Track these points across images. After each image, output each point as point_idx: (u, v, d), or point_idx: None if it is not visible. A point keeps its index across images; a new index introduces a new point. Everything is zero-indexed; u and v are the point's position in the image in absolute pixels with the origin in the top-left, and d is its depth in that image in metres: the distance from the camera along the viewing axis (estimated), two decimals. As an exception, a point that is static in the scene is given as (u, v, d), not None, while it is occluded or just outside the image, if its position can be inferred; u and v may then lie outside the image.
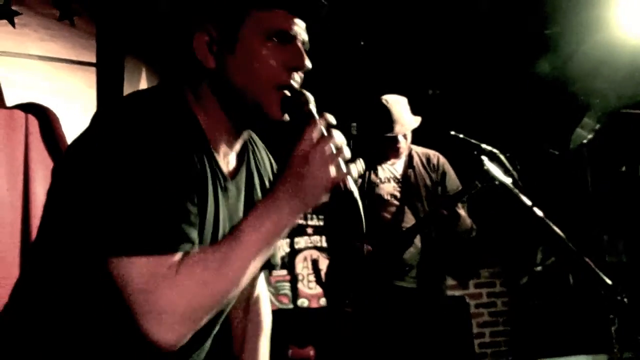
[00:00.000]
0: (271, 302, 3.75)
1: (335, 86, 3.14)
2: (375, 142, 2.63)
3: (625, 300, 1.97)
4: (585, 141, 4.04)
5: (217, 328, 1.10)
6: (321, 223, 3.81)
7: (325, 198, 0.91)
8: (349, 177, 0.91)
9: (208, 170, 0.98)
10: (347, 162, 0.91)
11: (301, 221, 3.89)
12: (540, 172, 3.98)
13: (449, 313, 3.00)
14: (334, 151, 0.89)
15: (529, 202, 2.07)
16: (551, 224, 2.08)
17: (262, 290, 1.33)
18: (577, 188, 4.31)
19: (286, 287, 3.78)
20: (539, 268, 3.83)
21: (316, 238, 3.84)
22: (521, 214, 2.18)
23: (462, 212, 2.42)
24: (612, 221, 4.39)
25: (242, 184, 1.09)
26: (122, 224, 0.85)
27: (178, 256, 0.86)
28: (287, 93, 0.97)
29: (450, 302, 3.21)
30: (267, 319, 1.34)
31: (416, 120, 2.59)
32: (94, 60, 2.56)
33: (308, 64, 0.98)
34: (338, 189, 0.90)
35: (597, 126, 4.02)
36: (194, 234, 0.89)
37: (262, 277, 1.31)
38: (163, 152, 0.88)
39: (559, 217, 2.13)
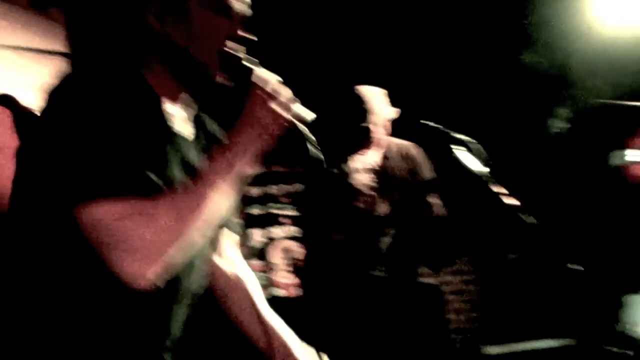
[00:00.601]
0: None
1: (312, 77, 3.12)
2: (350, 132, 2.63)
3: (586, 278, 2.01)
4: (559, 131, 4.09)
5: (194, 289, 1.15)
6: (297, 213, 3.81)
7: (276, 141, 1.02)
8: (298, 119, 1.03)
9: (161, 127, 1.07)
10: (295, 108, 1.03)
11: (276, 211, 3.88)
12: (515, 161, 4.02)
13: (423, 301, 3.03)
14: (281, 98, 1.02)
15: (500, 190, 2.08)
16: (523, 213, 2.10)
17: (238, 261, 1.38)
18: (551, 177, 4.38)
19: (261, 277, 3.77)
20: (512, 256, 3.89)
21: (292, 228, 3.83)
22: (493, 203, 2.20)
23: (435, 200, 2.43)
24: (584, 208, 4.48)
25: (196, 144, 1.15)
26: (87, 174, 0.92)
27: (141, 198, 0.93)
28: (230, 56, 1.08)
29: (424, 290, 3.25)
30: (253, 284, 1.39)
31: (392, 112, 2.60)
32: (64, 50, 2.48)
33: (243, 32, 1.10)
34: (290, 131, 1.03)
35: (571, 116, 4.07)
36: (154, 179, 0.97)
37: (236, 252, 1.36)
38: (119, 110, 0.97)
39: (531, 205, 2.15)
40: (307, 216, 2.71)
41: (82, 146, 0.93)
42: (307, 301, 2.87)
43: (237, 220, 1.34)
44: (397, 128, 2.66)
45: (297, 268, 3.04)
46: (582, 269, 2.07)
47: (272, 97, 1.02)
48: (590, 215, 4.43)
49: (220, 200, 1.00)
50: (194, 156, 1.12)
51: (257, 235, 3.82)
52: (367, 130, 2.56)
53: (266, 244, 3.81)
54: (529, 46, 3.78)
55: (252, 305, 1.34)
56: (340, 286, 2.55)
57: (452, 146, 2.19)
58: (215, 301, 1.29)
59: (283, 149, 1.06)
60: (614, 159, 4.80)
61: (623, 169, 4.82)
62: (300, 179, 3.35)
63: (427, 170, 2.64)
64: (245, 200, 3.85)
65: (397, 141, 2.70)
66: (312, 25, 3.42)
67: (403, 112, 2.60)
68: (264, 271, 3.79)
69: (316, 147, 1.06)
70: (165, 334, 1.11)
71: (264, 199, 3.84)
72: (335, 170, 2.61)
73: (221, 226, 1.24)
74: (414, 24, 3.44)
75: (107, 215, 0.91)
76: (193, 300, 1.17)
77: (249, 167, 1.03)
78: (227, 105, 1.10)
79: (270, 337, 1.31)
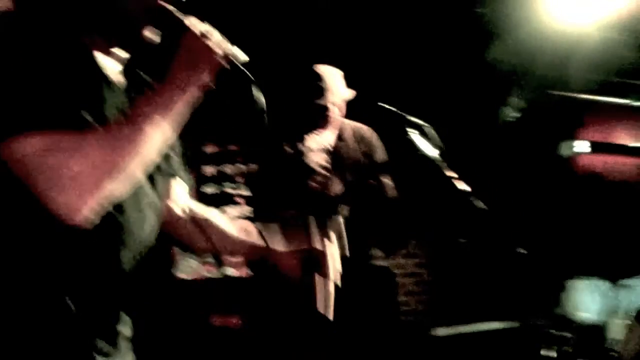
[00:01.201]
0: (198, 271, 3.72)
1: (270, 54, 3.09)
2: (306, 111, 2.62)
3: (528, 260, 2.09)
4: (512, 119, 4.19)
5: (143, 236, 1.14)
6: (251, 193, 3.78)
7: (211, 77, 1.03)
8: (233, 57, 1.05)
9: (93, 72, 1.06)
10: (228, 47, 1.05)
11: (231, 190, 3.84)
12: (467, 147, 4.10)
13: (374, 282, 3.07)
14: (213, 38, 1.04)
15: (452, 175, 2.12)
16: (474, 198, 2.15)
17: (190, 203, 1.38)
18: (502, 164, 4.49)
19: (214, 257, 3.73)
20: (463, 240, 3.98)
21: (246, 208, 3.79)
22: (446, 187, 2.24)
23: (388, 181, 2.46)
24: (532, 196, 4.62)
25: (128, 93, 1.14)
26: (12, 109, 0.90)
27: (71, 133, 0.92)
28: (159, 8, 1.08)
29: (375, 271, 3.29)
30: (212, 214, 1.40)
31: (349, 93, 2.60)
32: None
33: None
34: (225, 68, 1.04)
35: (523, 105, 4.17)
36: (85, 116, 0.96)
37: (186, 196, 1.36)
38: (49, 50, 0.96)
39: (483, 191, 2.20)
40: (260, 195, 2.69)
41: (8, 81, 0.92)
42: (259, 281, 2.87)
43: (187, 172, 1.34)
44: (352, 110, 2.66)
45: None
46: (526, 253, 2.14)
47: (205, 36, 1.04)
48: (537, 202, 4.57)
49: (158, 135, 0.99)
50: (126, 103, 1.11)
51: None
52: (324, 109, 2.55)
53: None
54: (485, 37, 3.84)
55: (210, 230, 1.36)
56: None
57: (407, 129, 2.21)
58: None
59: (224, 90, 1.07)
60: (563, 149, 4.96)
61: (571, 159, 4.99)
62: (255, 158, 3.32)
63: (380, 153, 2.66)
64: (200, 179, 3.80)
65: (352, 123, 2.70)
66: (272, 5, 3.37)
67: (359, 94, 2.60)
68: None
69: (257, 88, 1.08)
70: (112, 280, 1.09)
71: (218, 178, 3.79)
72: (290, 149, 2.60)
73: (171, 176, 1.24)
74: (373, 9, 3.44)
75: (33, 150, 0.89)
76: (145, 250, 1.15)
77: (186, 104, 1.02)
78: (160, 59, 1.09)
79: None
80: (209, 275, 3.69)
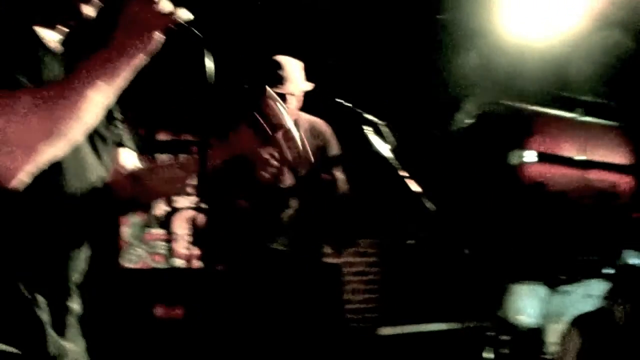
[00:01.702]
0: (145, 260, 3.65)
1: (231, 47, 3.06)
2: (263, 100, 2.60)
3: (474, 264, 2.15)
4: (465, 125, 4.29)
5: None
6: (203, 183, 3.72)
7: (159, 38, 1.01)
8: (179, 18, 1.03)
9: (32, 40, 1.06)
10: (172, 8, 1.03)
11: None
12: (421, 150, 4.18)
13: (322, 278, 3.08)
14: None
15: (405, 175, 2.15)
16: (425, 199, 2.19)
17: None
18: (453, 169, 4.59)
19: (162, 246, 3.67)
20: (411, 242, 4.05)
21: (197, 198, 3.74)
22: (397, 186, 2.27)
23: (340, 177, 2.47)
24: (481, 202, 4.74)
25: (68, 60, 1.13)
26: None
27: (7, 93, 0.90)
28: None
29: (325, 268, 3.30)
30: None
31: (307, 85, 2.60)
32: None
33: None
34: (172, 28, 1.03)
35: (477, 112, 4.28)
36: (22, 77, 0.94)
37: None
38: None
39: (433, 193, 2.24)
40: (211, 186, 2.65)
41: None
42: (207, 273, 2.83)
43: (134, 142, 1.33)
44: (309, 103, 2.66)
45: (199, 239, 2.99)
46: (472, 256, 2.19)
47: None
48: (484, 207, 4.70)
49: (98, 99, 0.96)
50: (65, 70, 1.09)
51: (162, 203, 3.71)
52: (282, 98, 2.54)
53: (170, 213, 3.71)
54: (444, 43, 3.93)
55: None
56: (240, 258, 2.53)
57: (363, 126, 2.24)
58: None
59: (172, 53, 1.06)
60: (512, 158, 5.12)
61: (518, 168, 5.15)
62: (209, 147, 3.27)
63: (335, 148, 2.67)
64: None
65: (307, 116, 2.70)
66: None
67: (317, 87, 2.60)
68: (166, 240, 3.69)
69: (207, 48, 1.07)
70: (57, 250, 1.08)
71: (171, 167, 3.73)
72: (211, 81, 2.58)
73: (119, 145, 1.24)
74: (337, 7, 3.46)
75: None
76: (91, 219, 1.14)
77: (129, 68, 0.99)
78: (103, 24, 1.07)
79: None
80: (155, 265, 3.63)
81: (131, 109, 1.31)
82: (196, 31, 1.06)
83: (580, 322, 2.69)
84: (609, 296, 2.66)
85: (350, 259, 4.23)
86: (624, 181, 5.84)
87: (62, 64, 1.09)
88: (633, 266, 3.14)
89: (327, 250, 4.11)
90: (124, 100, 1.12)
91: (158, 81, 2.95)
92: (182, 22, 1.04)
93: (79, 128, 0.96)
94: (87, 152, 1.09)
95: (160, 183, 1.32)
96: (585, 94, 5.12)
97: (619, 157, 5.86)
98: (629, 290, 2.57)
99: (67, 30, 1.14)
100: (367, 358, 4.22)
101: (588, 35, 4.08)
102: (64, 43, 1.14)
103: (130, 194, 1.29)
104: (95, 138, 1.13)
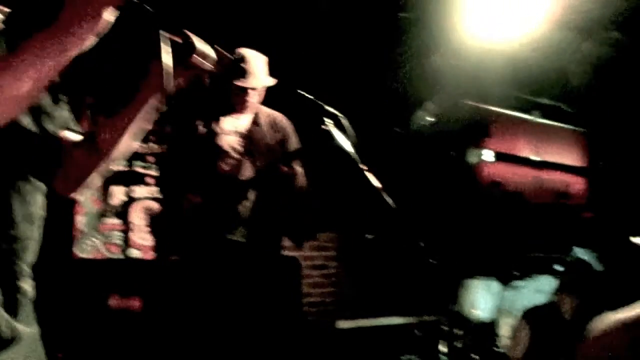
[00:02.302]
0: (100, 250, 3.57)
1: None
2: (225, 92, 2.58)
3: (433, 261, 2.18)
4: (425, 123, 4.35)
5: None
6: (161, 173, 3.66)
7: (108, 18, 0.96)
8: None
9: None
10: None
11: (141, 170, 3.71)
12: (382, 146, 4.22)
13: (280, 271, 3.08)
14: None
15: (365, 170, 2.17)
16: (384, 194, 2.21)
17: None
18: (413, 165, 4.66)
19: (118, 237, 3.59)
20: (371, 237, 4.09)
21: (155, 189, 3.68)
22: (357, 180, 2.29)
23: (299, 169, 2.47)
24: (438, 199, 4.82)
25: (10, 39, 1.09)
26: None
27: None
28: None
29: (282, 260, 3.30)
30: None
31: (271, 80, 2.59)
32: None
33: None
34: (123, 7, 0.97)
35: (438, 111, 4.35)
36: None
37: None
38: None
39: (392, 189, 2.27)
40: (169, 176, 2.62)
41: None
42: (164, 264, 2.80)
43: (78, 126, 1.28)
44: (270, 97, 2.66)
45: (157, 229, 2.94)
46: (428, 251, 2.23)
47: None
48: (442, 204, 4.78)
49: (41, 77, 0.93)
50: (6, 49, 1.06)
51: (119, 193, 3.63)
52: (244, 92, 2.53)
53: (127, 203, 3.64)
54: (410, 38, 3.97)
55: None
56: (197, 249, 2.51)
57: (324, 119, 2.24)
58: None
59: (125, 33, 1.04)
60: (470, 157, 5.23)
61: (476, 166, 5.26)
62: (168, 138, 3.23)
63: (294, 142, 2.68)
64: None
65: (268, 110, 2.70)
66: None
67: (280, 83, 2.60)
68: (122, 231, 3.62)
69: (162, 28, 1.05)
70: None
71: (130, 156, 3.65)
72: (204, 129, 2.56)
73: (64, 127, 1.21)
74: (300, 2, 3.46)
75: None
76: (40, 197, 1.13)
77: (76, 46, 0.96)
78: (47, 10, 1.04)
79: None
80: (111, 255, 3.55)
81: (78, 91, 1.28)
82: (149, 8, 1.03)
83: (530, 316, 2.79)
84: (557, 291, 2.76)
85: (310, 253, 4.25)
86: (576, 182, 6.05)
87: (3, 43, 1.06)
88: (580, 262, 3.25)
89: (286, 243, 4.12)
90: (70, 81, 1.10)
91: (107, 62, 2.88)
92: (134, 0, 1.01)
93: (18, 107, 0.94)
94: (33, 133, 1.07)
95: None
96: (542, 97, 5.27)
97: (572, 159, 6.07)
98: (576, 285, 2.67)
99: (9, 10, 1.11)
100: (325, 351, 4.25)
101: (546, 39, 4.20)
102: (5, 22, 1.11)
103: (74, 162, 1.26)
104: (42, 118, 1.10)
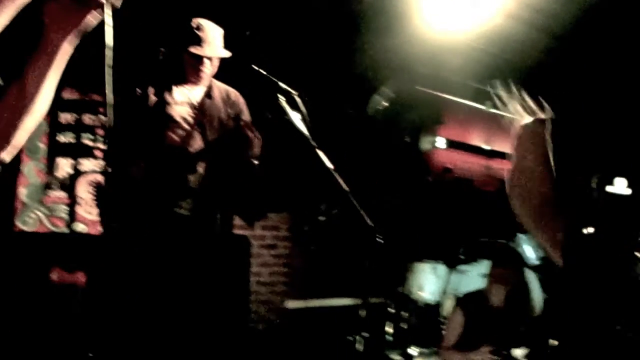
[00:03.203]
0: (43, 224, 3.46)
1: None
2: (179, 63, 2.53)
3: (381, 240, 2.22)
4: (380, 108, 4.39)
5: None
6: (108, 146, 3.56)
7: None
8: None
9: None
10: None
11: (89, 142, 3.60)
12: (336, 129, 4.24)
13: (229, 249, 3.07)
14: None
15: (316, 146, 2.18)
16: (336, 174, 2.22)
17: None
18: (366, 148, 4.70)
19: (63, 210, 3.48)
20: (322, 218, 4.12)
21: (102, 162, 3.57)
22: (310, 160, 2.29)
23: (252, 145, 2.45)
24: (391, 183, 4.89)
25: None
26: None
27: None
28: None
29: (232, 238, 3.29)
30: None
31: (225, 52, 2.55)
32: None
33: None
34: None
35: (393, 96, 4.39)
36: None
37: None
38: None
39: (346, 172, 2.28)
40: (117, 147, 2.55)
41: None
42: (110, 238, 2.74)
43: None
44: (225, 71, 2.62)
45: (103, 203, 2.87)
46: (378, 234, 2.26)
47: None
48: (393, 188, 4.85)
49: None
50: None
51: (65, 165, 3.51)
52: (199, 60, 2.49)
53: (74, 176, 3.53)
54: (368, 22, 3.99)
55: None
56: (143, 223, 2.46)
57: (278, 95, 2.24)
58: None
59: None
60: (423, 143, 5.32)
61: (428, 153, 5.36)
62: (116, 108, 3.14)
63: (246, 117, 2.66)
64: (54, 126, 3.51)
65: (221, 84, 2.67)
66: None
67: (234, 56, 2.57)
68: (68, 204, 3.51)
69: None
70: None
71: (76, 128, 3.53)
72: (155, 98, 2.50)
73: None
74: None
75: None
76: None
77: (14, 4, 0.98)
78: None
79: None
80: (55, 229, 3.45)
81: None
82: None
83: (463, 302, 2.86)
84: (487, 279, 2.83)
85: (261, 232, 4.24)
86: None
87: None
88: (510, 250, 3.32)
89: (237, 221, 4.10)
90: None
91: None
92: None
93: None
94: None
95: None
96: (495, 87, 5.40)
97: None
98: (503, 274, 2.74)
99: None
100: (273, 330, 4.28)
101: (501, 31, 4.29)
102: None
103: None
104: None
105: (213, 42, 2.49)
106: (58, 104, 3.45)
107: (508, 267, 2.73)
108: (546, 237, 1.45)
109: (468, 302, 2.84)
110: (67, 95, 3.49)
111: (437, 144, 5.39)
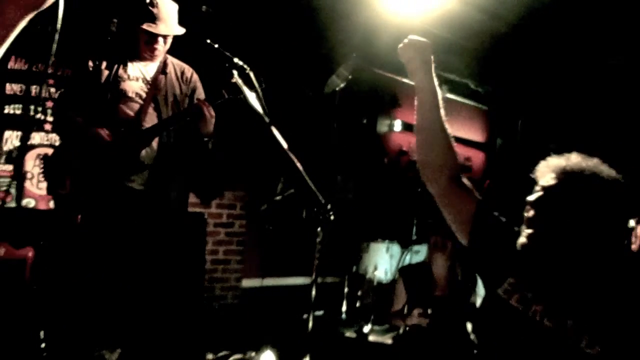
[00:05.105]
0: (-12, 198, 3.34)
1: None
2: (133, 38, 2.49)
3: (332, 217, 2.26)
4: (337, 89, 4.41)
5: None
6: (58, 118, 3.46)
7: None
8: None
9: None
10: None
11: (39, 115, 3.50)
12: (293, 109, 4.25)
13: (184, 225, 3.06)
14: None
15: (266, 120, 2.19)
16: (290, 153, 2.24)
17: None
18: (323, 129, 4.73)
19: (10, 184, 3.38)
20: (278, 197, 4.13)
21: (54, 136, 3.49)
22: (263, 138, 2.30)
23: (211, 112, 2.44)
24: (347, 164, 4.95)
25: None
26: None
27: None
28: None
29: (187, 215, 3.27)
30: None
31: (180, 30, 2.52)
32: None
33: None
34: None
35: (350, 77, 4.41)
36: None
37: None
38: None
39: (301, 151, 2.30)
40: (68, 121, 2.50)
41: None
42: (59, 212, 2.69)
43: None
44: (179, 46, 2.59)
45: (53, 177, 2.80)
46: (332, 213, 2.29)
47: None
48: (349, 169, 4.91)
49: None
50: None
51: (13, 138, 3.41)
52: (153, 38, 2.45)
53: (22, 150, 3.42)
54: (324, 10, 4.01)
55: None
56: (94, 197, 2.43)
57: (232, 70, 2.23)
58: None
59: None
60: (380, 125, 5.38)
61: (384, 135, 5.43)
62: (68, 82, 3.06)
63: (200, 93, 2.64)
64: (4, 98, 3.39)
65: (176, 60, 2.65)
66: None
67: (187, 33, 2.54)
68: (15, 178, 3.41)
69: None
70: None
71: (26, 100, 3.42)
72: (107, 71, 2.46)
73: None
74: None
75: None
76: None
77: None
78: None
79: None
80: (1, 203, 3.35)
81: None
82: None
83: (404, 272, 3.05)
84: (428, 251, 3.03)
85: (216, 210, 4.23)
86: (476, 156, 6.44)
87: None
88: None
89: (193, 198, 4.08)
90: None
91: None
92: None
93: None
94: None
95: None
96: (452, 73, 5.50)
97: (474, 134, 6.44)
98: (443, 240, 2.91)
99: None
100: (228, 309, 4.29)
101: (460, 18, 4.37)
102: None
103: None
104: None
105: (167, 19, 2.45)
106: (4, 74, 3.33)
107: (447, 237, 2.86)
108: (452, 217, 1.53)
109: (409, 271, 3.06)
110: (14, 65, 3.37)
111: (393, 127, 5.47)
